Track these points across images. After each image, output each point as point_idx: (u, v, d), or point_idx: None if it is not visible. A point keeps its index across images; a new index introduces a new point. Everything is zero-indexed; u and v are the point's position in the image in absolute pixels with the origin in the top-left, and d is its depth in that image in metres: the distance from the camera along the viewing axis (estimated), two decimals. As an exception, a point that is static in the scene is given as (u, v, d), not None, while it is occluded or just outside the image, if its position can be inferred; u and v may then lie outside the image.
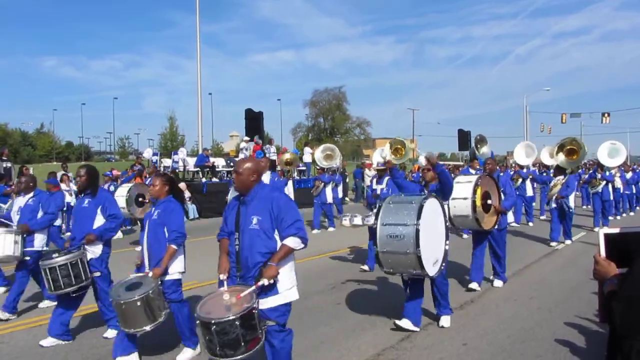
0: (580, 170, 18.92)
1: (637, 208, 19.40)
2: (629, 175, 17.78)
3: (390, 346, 5.12)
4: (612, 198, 14.99)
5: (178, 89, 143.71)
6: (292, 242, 3.79)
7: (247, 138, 21.82)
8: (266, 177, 9.44)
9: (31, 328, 5.88)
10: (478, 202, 6.67)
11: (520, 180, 15.14)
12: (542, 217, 16.18)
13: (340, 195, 16.08)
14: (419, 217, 4.90)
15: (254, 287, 3.66)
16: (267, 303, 3.78)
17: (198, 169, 21.56)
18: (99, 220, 5.40)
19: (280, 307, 3.86)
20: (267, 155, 19.41)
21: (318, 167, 16.27)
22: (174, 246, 4.66)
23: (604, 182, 14.55)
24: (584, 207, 19.50)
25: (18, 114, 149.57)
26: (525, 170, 15.70)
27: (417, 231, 4.86)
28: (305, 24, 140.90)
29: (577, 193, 17.48)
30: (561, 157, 11.27)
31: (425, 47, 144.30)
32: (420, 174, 16.30)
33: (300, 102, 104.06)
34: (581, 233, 13.06)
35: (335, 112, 72.98)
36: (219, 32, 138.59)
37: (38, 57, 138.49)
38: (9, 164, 13.54)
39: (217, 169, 21.81)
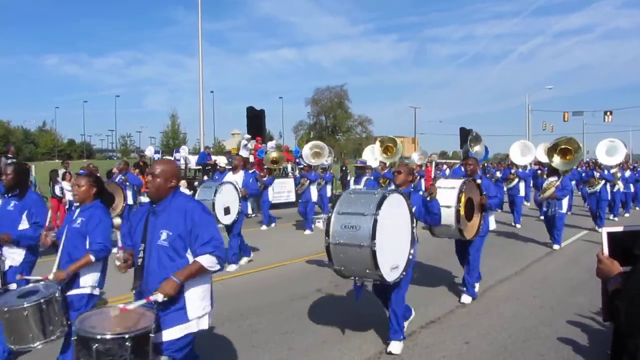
0: (581, 169, 18.69)
1: (637, 208, 18.99)
2: (627, 173, 17.30)
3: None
4: (610, 198, 14.39)
5: (180, 87, 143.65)
6: (206, 260, 3.18)
7: (248, 136, 21.83)
8: (239, 177, 9.17)
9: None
10: (462, 210, 6.01)
11: (517, 180, 14.82)
12: (542, 217, 16.11)
13: (329, 194, 15.70)
14: (379, 208, 4.33)
15: (142, 301, 3.04)
16: (166, 331, 3.13)
17: (200, 166, 21.55)
18: (24, 227, 4.60)
19: (181, 340, 3.20)
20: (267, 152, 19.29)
21: (305, 164, 15.89)
22: (92, 256, 3.85)
23: (603, 182, 13.83)
24: (586, 205, 19.35)
25: (20, 112, 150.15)
26: (522, 170, 15.35)
27: (375, 222, 4.26)
28: (307, 22, 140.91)
29: (577, 192, 17.21)
30: (556, 159, 10.89)
31: (427, 46, 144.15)
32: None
33: (302, 100, 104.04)
34: (583, 232, 12.99)
35: (337, 110, 72.87)
36: (221, 30, 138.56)
37: (40, 56, 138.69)
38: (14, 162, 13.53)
39: (218, 167, 21.79)
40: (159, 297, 3.02)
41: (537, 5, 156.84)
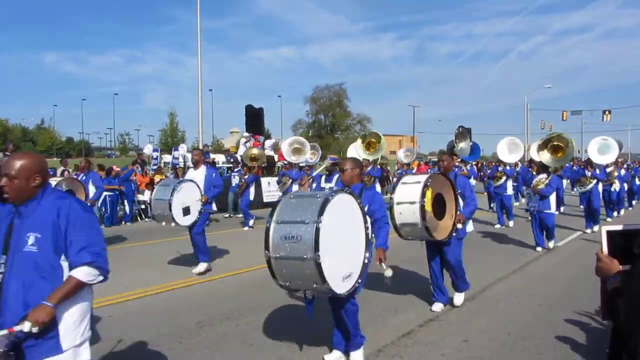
0: (576, 167, 18.16)
1: (631, 209, 18.46)
2: (622, 172, 16.70)
3: (391, 342, 5.12)
4: (608, 198, 14.10)
5: (179, 85, 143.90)
6: (84, 273, 2.64)
7: (247, 134, 21.83)
8: (199, 173, 8.49)
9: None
10: (428, 207, 5.44)
11: (504, 178, 14.34)
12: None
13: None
14: (321, 214, 3.77)
15: (4, 331, 2.47)
16: None
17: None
18: None
19: None
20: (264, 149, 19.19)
21: (286, 162, 15.38)
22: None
23: (594, 181, 13.09)
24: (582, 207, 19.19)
25: (19, 110, 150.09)
26: (510, 167, 14.87)
27: (318, 230, 3.70)
28: (306, 20, 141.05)
29: (573, 191, 16.73)
30: (546, 156, 10.47)
31: (426, 44, 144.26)
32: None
33: (300, 98, 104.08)
34: (577, 233, 12.72)
35: (336, 108, 72.97)
36: (220, 28, 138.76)
37: (39, 53, 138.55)
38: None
39: (217, 165, 21.82)
40: (26, 326, 2.46)
41: (538, 4, 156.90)
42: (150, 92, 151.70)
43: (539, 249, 10.24)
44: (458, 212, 6.03)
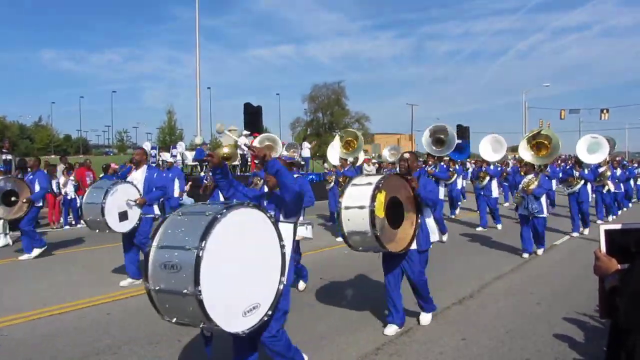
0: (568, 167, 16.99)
1: (625, 209, 17.46)
2: (617, 172, 15.99)
3: (390, 341, 5.13)
4: (590, 199, 12.71)
5: (177, 83, 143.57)
6: None
7: (246, 132, 21.82)
8: (139, 174, 7.84)
9: (30, 321, 5.86)
10: (379, 212, 4.69)
11: (488, 178, 13.39)
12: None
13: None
14: (204, 237, 2.98)
15: None
16: None
17: (196, 162, 21.53)
18: None
19: None
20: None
21: (257, 162, 15.17)
22: None
23: (582, 182, 12.18)
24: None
25: (16, 107, 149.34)
26: (493, 167, 13.83)
27: (199, 259, 2.94)
28: (305, 19, 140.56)
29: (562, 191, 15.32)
30: (527, 154, 9.89)
31: (425, 42, 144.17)
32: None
33: (299, 96, 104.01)
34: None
35: (334, 107, 72.80)
36: (218, 26, 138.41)
37: (37, 51, 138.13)
38: (9, 157, 13.51)
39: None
40: None
41: (536, 2, 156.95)
42: (149, 90, 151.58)
43: (525, 255, 9.48)
44: (419, 220, 5.32)
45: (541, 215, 9.36)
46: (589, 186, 12.41)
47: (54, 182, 14.40)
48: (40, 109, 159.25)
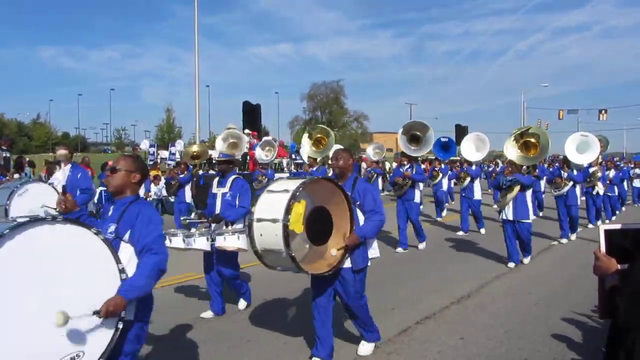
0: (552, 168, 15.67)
1: (618, 212, 16.11)
2: (611, 173, 14.87)
3: (388, 339, 5.12)
4: (579, 203, 11.46)
5: (176, 81, 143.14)
6: None
7: (248, 131, 21.85)
8: (60, 174, 7.27)
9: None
10: (296, 227, 3.82)
11: (469, 179, 12.38)
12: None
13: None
14: None
15: None
16: None
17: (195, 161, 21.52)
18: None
19: None
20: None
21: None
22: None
23: (570, 183, 11.12)
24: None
25: (14, 104, 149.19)
26: (476, 167, 12.76)
27: None
28: (304, 17, 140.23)
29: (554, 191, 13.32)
30: (513, 152, 8.82)
31: (424, 42, 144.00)
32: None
33: (298, 95, 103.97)
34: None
35: (333, 105, 72.81)
36: (217, 24, 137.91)
37: (35, 47, 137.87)
38: (7, 154, 13.51)
39: (213, 161, 21.78)
40: None
41: (535, 2, 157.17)
42: (147, 87, 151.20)
43: (511, 264, 8.60)
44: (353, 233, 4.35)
45: (525, 221, 8.49)
46: (578, 189, 11.31)
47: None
48: (38, 107, 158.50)
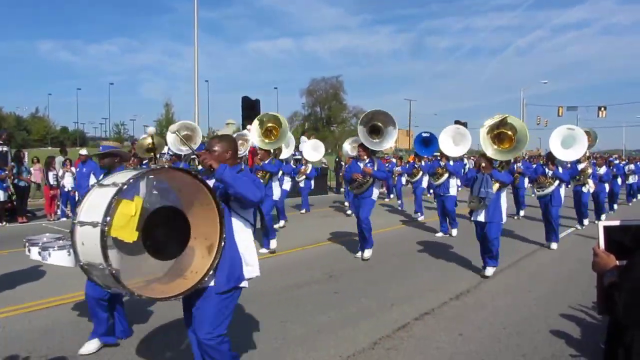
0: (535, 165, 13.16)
1: (611, 212, 15.88)
2: (601, 170, 13.98)
3: (387, 335, 5.13)
4: (562, 203, 10.23)
5: (176, 76, 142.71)
6: None
7: (250, 127, 21.79)
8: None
9: (27, 313, 5.85)
10: (126, 234, 2.88)
11: (446, 176, 11.46)
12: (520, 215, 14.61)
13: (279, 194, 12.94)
14: None
15: None
16: None
17: (194, 156, 21.48)
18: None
19: None
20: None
21: (171, 154, 11.70)
22: None
23: (556, 182, 9.97)
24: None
25: (13, 98, 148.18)
26: (454, 162, 11.60)
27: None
28: (304, 12, 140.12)
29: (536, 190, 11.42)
30: (490, 148, 7.69)
31: (425, 38, 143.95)
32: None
33: (297, 90, 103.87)
34: (570, 229, 12.03)
35: (332, 101, 72.90)
36: (217, 19, 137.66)
37: (34, 41, 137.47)
38: (5, 148, 13.45)
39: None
40: None
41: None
42: (147, 82, 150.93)
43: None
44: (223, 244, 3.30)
45: (494, 221, 7.54)
46: (562, 188, 10.17)
47: (51, 174, 14.39)
48: (37, 101, 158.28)
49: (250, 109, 23.69)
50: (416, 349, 4.83)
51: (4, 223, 13.02)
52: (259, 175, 9.29)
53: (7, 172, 13.02)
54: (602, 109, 47.67)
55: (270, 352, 4.72)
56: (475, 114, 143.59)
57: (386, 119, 9.07)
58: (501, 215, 7.60)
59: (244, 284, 3.53)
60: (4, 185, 13.10)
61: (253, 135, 10.53)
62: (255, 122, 10.21)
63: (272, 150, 9.89)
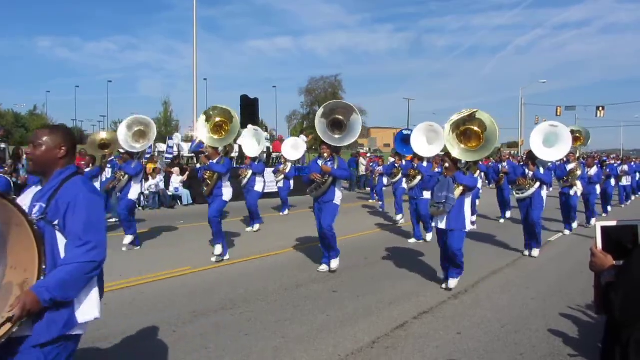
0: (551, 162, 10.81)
1: (605, 215, 15.18)
2: (592, 171, 12.87)
3: (386, 334, 5.15)
4: (544, 206, 9.27)
5: (174, 74, 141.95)
6: None
7: (251, 126, 21.84)
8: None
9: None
10: None
11: (419, 178, 10.36)
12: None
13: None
14: None
15: None
16: None
17: (193, 154, 21.50)
18: None
19: None
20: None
21: (122, 152, 10.39)
22: None
23: (537, 185, 8.97)
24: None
25: (11, 95, 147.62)
26: (427, 163, 10.58)
27: None
28: (303, 10, 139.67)
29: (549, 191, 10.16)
30: (456, 147, 6.83)
31: (423, 37, 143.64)
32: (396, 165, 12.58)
33: (296, 89, 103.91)
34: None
35: (331, 100, 72.90)
36: (216, 17, 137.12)
37: (32, 38, 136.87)
38: (2, 145, 13.46)
39: (205, 153, 21.69)
40: None
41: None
42: (145, 80, 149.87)
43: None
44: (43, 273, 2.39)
45: (460, 230, 6.79)
46: (544, 191, 9.16)
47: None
48: (35, 98, 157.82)
49: (249, 107, 23.74)
50: (415, 348, 4.84)
51: None
52: (206, 176, 8.60)
53: (5, 168, 13.01)
54: (601, 108, 47.77)
55: (270, 351, 4.73)
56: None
57: (347, 111, 8.08)
58: (464, 223, 6.79)
59: (77, 330, 2.56)
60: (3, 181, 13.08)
61: (200, 131, 9.42)
62: (202, 116, 9.15)
63: (225, 147, 9.10)
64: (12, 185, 12.69)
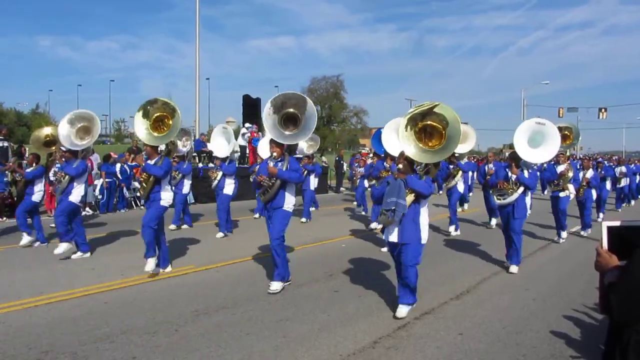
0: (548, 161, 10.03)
1: (599, 219, 13.85)
2: (588, 173, 11.74)
3: (387, 334, 5.14)
4: (527, 214, 8.27)
5: (175, 73, 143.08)
6: None
7: (248, 125, 21.89)
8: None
9: (27, 308, 5.86)
10: None
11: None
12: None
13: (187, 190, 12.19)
14: None
15: None
16: None
17: (195, 154, 21.49)
18: None
19: None
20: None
21: (64, 149, 9.21)
22: None
23: (520, 189, 7.90)
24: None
25: (13, 94, 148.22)
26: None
27: None
28: (305, 10, 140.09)
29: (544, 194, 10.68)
30: (411, 146, 5.74)
31: (425, 37, 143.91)
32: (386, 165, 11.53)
33: (297, 89, 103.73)
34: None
35: (333, 100, 72.64)
36: (218, 16, 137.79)
37: (34, 37, 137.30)
38: (5, 144, 13.46)
39: (213, 155, 21.72)
40: None
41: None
42: (147, 79, 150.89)
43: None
44: None
45: (409, 243, 5.65)
46: (528, 197, 8.24)
47: (51, 170, 14.39)
48: (37, 97, 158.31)
49: (251, 107, 23.75)
50: (416, 348, 4.83)
51: (4, 218, 13.02)
52: (142, 178, 7.79)
53: (7, 166, 13.04)
54: (603, 110, 47.68)
55: (271, 350, 4.72)
56: (476, 113, 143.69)
57: (300, 104, 6.99)
58: (419, 235, 5.71)
59: None
60: (4, 179, 13.13)
61: (137, 128, 8.11)
62: (139, 112, 7.92)
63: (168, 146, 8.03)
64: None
